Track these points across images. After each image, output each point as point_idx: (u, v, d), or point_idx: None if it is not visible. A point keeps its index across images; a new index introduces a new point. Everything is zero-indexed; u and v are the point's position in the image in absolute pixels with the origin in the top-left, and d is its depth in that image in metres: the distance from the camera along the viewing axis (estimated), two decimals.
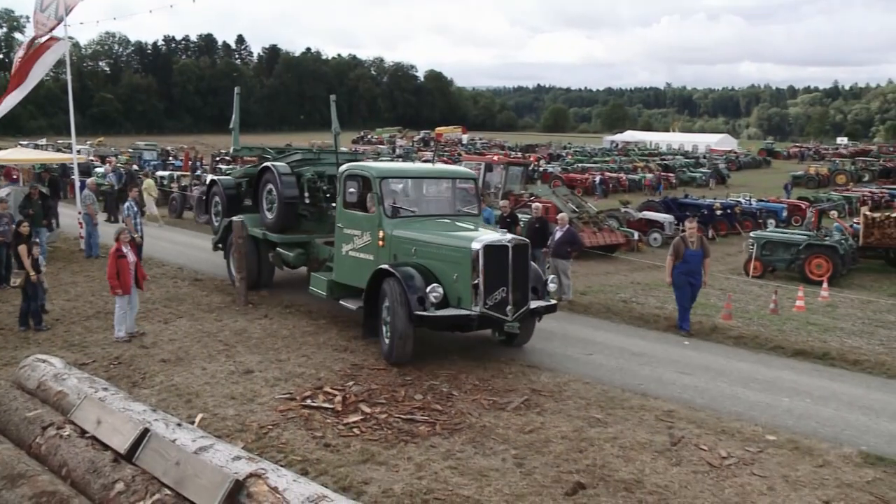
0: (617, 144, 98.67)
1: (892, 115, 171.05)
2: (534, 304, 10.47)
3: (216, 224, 16.00)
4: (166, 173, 35.27)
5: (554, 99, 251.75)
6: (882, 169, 57.61)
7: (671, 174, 51.97)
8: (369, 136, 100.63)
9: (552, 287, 11.26)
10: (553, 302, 11.03)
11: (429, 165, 13.39)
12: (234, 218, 14.13)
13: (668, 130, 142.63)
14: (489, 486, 6.72)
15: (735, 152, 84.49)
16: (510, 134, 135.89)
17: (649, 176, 49.56)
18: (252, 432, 7.83)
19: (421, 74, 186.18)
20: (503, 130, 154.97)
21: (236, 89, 17.61)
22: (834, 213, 25.22)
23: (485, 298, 9.70)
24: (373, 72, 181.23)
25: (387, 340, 10.24)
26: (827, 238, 19.72)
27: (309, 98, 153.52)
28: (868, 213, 21.76)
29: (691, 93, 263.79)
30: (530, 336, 11.28)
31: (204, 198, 16.83)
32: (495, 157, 33.71)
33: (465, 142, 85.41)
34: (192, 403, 8.67)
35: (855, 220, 22.75)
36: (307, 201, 13.76)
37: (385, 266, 10.29)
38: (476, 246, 9.71)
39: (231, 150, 17.86)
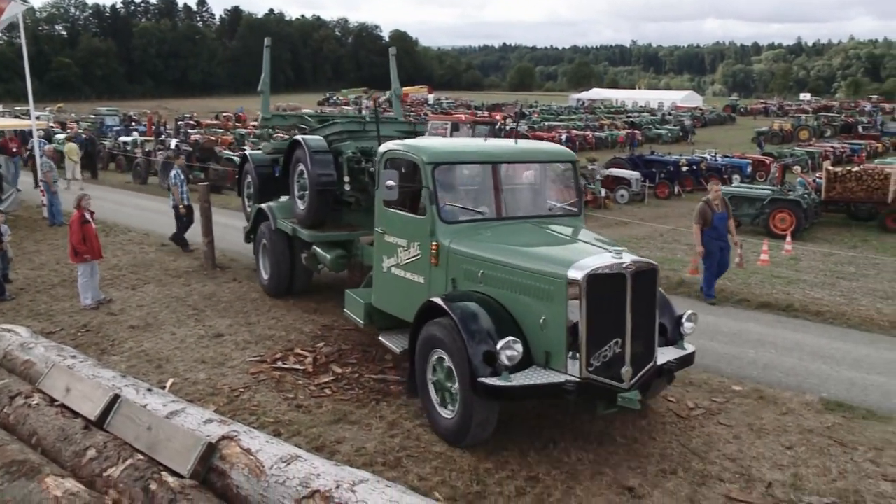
0: (583, 102, 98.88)
1: (854, 71, 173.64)
2: (662, 358, 6.76)
3: (248, 210, 13.20)
4: (130, 138, 34.74)
5: (520, 58, 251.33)
6: (843, 124, 58.22)
7: (638, 131, 52.17)
8: (335, 97, 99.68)
9: (689, 326, 7.21)
10: (690, 350, 7.15)
11: (506, 143, 8.71)
12: (264, 205, 11.96)
13: (633, 88, 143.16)
14: None
15: (700, 109, 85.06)
16: (476, 93, 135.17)
17: (623, 133, 49.82)
18: (224, 395, 7.83)
19: (385, 35, 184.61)
20: (469, 90, 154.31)
21: (266, 41, 13.83)
22: (797, 168, 25.49)
23: (588, 356, 6.15)
24: (337, 33, 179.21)
25: (445, 414, 6.85)
26: (790, 193, 19.98)
27: (273, 60, 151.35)
28: (830, 167, 22.05)
29: (657, 50, 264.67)
30: (658, 392, 7.79)
31: (238, 176, 14.32)
32: (462, 117, 33.61)
33: (431, 101, 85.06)
34: (162, 369, 8.64)
35: (817, 175, 23.03)
36: (348, 187, 10.41)
37: (436, 299, 6.90)
38: (576, 274, 6.15)
39: (260, 119, 14.52)
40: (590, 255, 6.49)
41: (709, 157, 29.77)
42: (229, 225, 16.23)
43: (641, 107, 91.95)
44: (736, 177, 28.13)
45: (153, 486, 4.86)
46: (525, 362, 6.32)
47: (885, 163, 25.74)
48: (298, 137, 11.11)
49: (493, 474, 6.22)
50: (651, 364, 6.55)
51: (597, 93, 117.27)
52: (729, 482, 6.21)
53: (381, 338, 8.36)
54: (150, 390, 6.32)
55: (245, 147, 31.61)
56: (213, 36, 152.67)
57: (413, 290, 7.76)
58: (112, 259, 14.07)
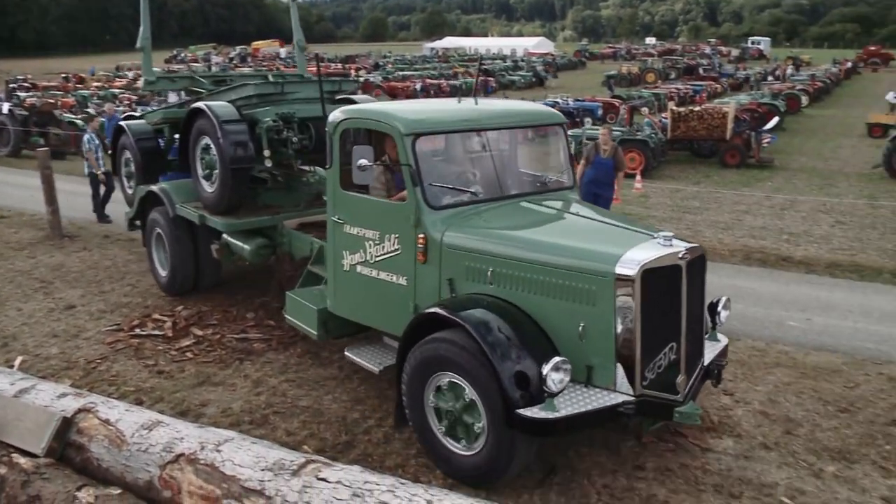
0: (437, 51, 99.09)
1: (694, 16, 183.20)
2: (706, 356, 5.82)
3: (129, 192, 10.99)
4: None
5: (372, 8, 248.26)
6: (686, 67, 60.94)
7: (491, 78, 52.81)
8: (183, 55, 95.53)
9: (725, 315, 6.26)
10: (724, 342, 6.23)
11: (489, 104, 7.23)
12: (156, 187, 9.62)
13: (486, 35, 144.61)
14: (328, 395, 6.84)
15: (552, 55, 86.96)
16: (329, 45, 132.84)
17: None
18: (80, 368, 7.53)
19: None
20: (322, 42, 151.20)
21: None
22: (645, 110, 26.51)
23: (642, 368, 5.07)
24: None
25: (458, 449, 5.39)
26: (639, 133, 20.85)
27: (113, 17, 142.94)
28: (675, 108, 23.19)
29: None
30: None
31: (112, 152, 11.47)
32: (314, 70, 33.06)
33: (283, 56, 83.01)
34: (9, 347, 8.18)
35: (663, 116, 24.09)
36: (269, 163, 8.51)
37: (438, 310, 5.41)
38: (626, 270, 4.97)
39: (143, 83, 11.40)
40: (635, 243, 5.24)
41: (561, 101, 30.49)
42: (76, 192, 15.40)
43: (494, 54, 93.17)
44: (588, 119, 28.98)
45: (2, 471, 4.68)
46: None
47: (724, 102, 27.25)
48: (201, 104, 8.81)
49: (360, 424, 6.30)
50: (699, 366, 5.65)
51: (450, 41, 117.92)
52: None
53: (347, 353, 6.73)
54: None
55: (88, 109, 29.98)
56: None
57: (391, 293, 6.20)
58: None
